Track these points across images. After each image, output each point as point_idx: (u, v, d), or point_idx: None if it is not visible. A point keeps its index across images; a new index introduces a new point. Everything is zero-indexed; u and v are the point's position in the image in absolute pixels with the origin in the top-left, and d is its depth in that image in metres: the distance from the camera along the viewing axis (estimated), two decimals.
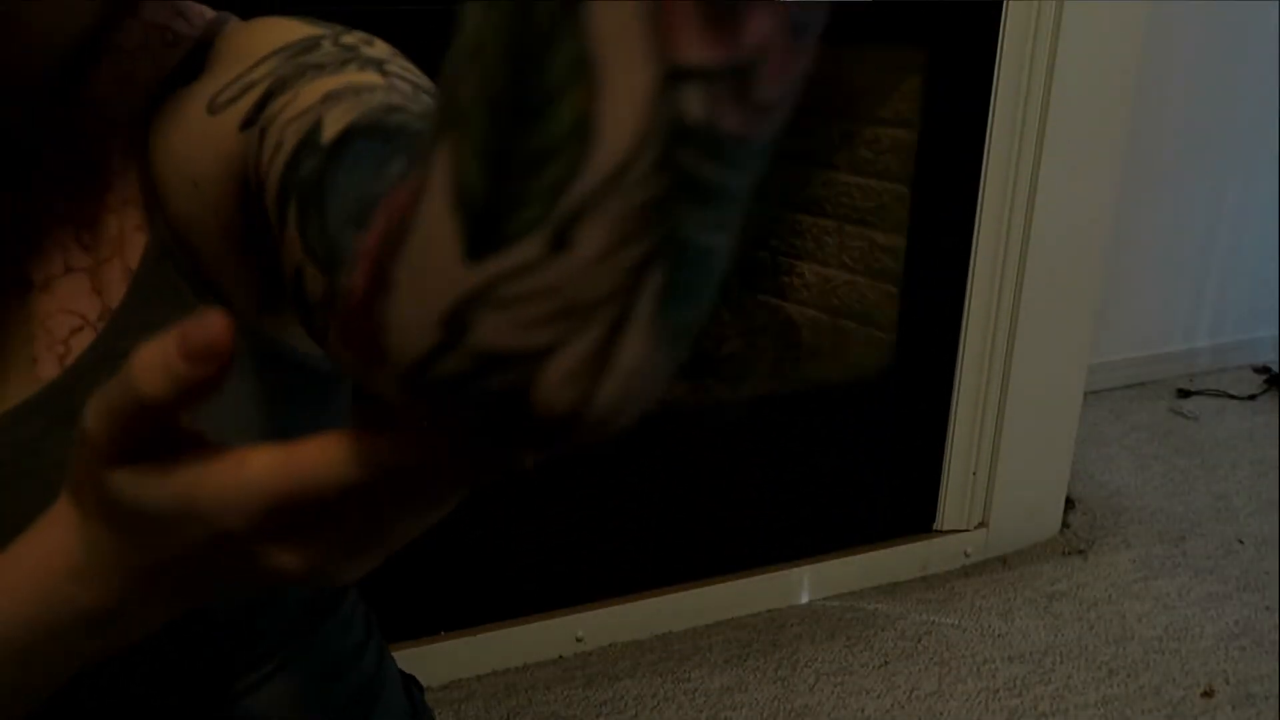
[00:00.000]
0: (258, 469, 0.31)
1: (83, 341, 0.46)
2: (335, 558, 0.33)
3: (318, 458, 0.31)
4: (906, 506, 2.02)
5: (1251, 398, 2.78)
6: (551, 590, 1.76)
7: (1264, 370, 2.92)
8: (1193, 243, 2.81)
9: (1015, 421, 1.98)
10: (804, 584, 1.92)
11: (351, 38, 0.46)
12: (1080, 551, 2.08)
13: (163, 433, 0.33)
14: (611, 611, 1.79)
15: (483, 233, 0.26)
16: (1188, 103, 2.64)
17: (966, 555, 2.03)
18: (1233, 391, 2.81)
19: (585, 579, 1.78)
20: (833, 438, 1.94)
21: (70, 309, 0.46)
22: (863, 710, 1.66)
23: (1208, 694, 1.70)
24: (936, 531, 2.03)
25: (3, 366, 0.46)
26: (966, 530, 2.04)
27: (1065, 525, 2.15)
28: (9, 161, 0.47)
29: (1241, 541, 2.13)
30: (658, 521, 1.82)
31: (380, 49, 0.46)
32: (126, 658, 0.40)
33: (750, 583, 1.88)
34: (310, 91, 0.42)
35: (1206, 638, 1.85)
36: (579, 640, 1.76)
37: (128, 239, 0.47)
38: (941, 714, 1.66)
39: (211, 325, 0.31)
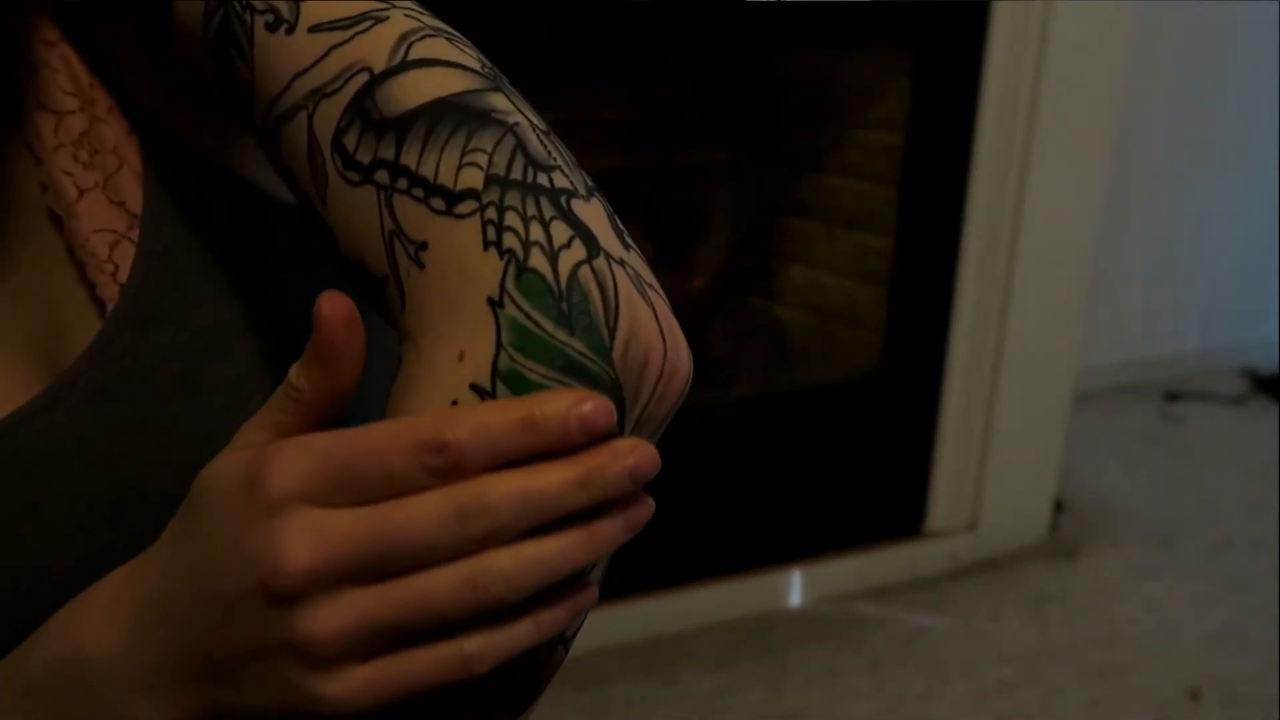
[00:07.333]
0: None
1: (125, 253, 0.47)
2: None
3: None
4: (895, 509, 2.02)
5: (1239, 401, 2.79)
6: None
7: (1251, 373, 2.93)
8: (1181, 246, 2.82)
9: (1004, 424, 1.98)
10: (793, 586, 1.92)
11: None
12: (1069, 554, 2.09)
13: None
14: (600, 615, 1.78)
15: None
16: (1176, 105, 2.65)
17: (955, 557, 2.03)
18: (1221, 394, 2.82)
19: None
20: (822, 440, 1.94)
21: (99, 228, 0.47)
22: (852, 713, 1.66)
23: (1195, 695, 1.71)
24: (926, 534, 2.03)
25: (70, 299, 0.47)
26: (956, 532, 2.04)
27: (1054, 527, 2.15)
28: None
29: (1230, 543, 2.14)
30: (646, 524, 1.81)
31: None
32: None
33: (739, 585, 1.88)
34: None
35: (1194, 639, 1.85)
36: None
37: (124, 143, 0.48)
38: (931, 716, 1.66)
39: (334, 309, 0.37)
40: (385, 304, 0.41)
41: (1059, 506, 2.19)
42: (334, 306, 0.38)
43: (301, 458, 0.36)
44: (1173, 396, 2.79)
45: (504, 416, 0.35)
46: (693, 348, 0.41)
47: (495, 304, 0.37)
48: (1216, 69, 2.67)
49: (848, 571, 1.95)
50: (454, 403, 0.37)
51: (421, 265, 0.39)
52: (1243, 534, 2.17)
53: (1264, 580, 2.01)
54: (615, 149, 2.00)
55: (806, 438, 1.93)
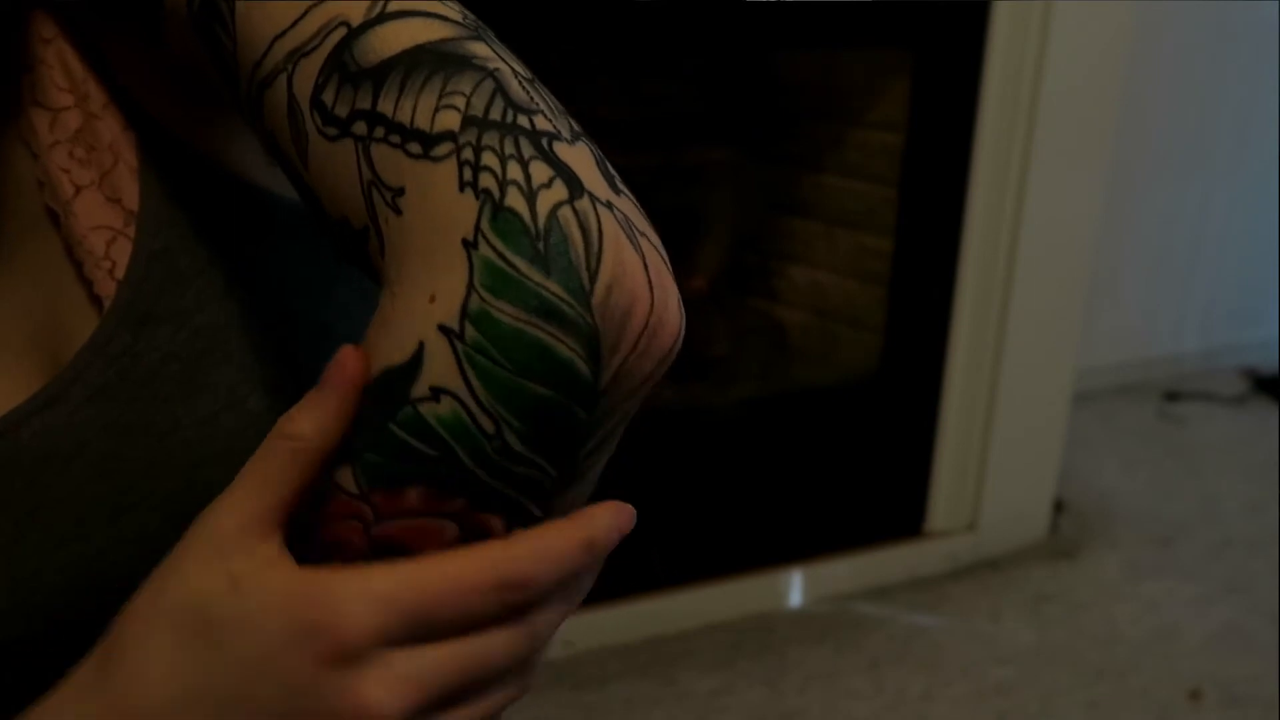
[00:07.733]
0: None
1: (122, 250, 0.47)
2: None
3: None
4: (895, 509, 2.02)
5: (1239, 401, 2.79)
6: None
7: (1252, 373, 2.93)
8: (1180, 246, 2.82)
9: (1004, 424, 1.98)
10: (793, 587, 1.92)
11: None
12: (1068, 554, 2.09)
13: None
14: (600, 615, 1.78)
15: None
16: (1176, 105, 2.65)
17: (955, 558, 2.03)
18: (1221, 394, 2.82)
19: None
20: (822, 440, 1.94)
21: (96, 224, 0.47)
22: (851, 713, 1.66)
23: (1195, 695, 1.71)
24: (925, 534, 2.03)
25: (68, 296, 0.47)
26: (955, 533, 2.04)
27: (1054, 528, 2.15)
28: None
29: (1230, 543, 2.14)
30: (646, 524, 1.81)
31: None
32: None
33: (739, 585, 1.88)
34: None
35: (1194, 639, 1.85)
36: (568, 643, 1.76)
37: (120, 140, 0.48)
38: (930, 716, 1.66)
39: (344, 364, 0.37)
40: (369, 258, 0.40)
41: (1059, 507, 2.19)
42: (355, 360, 0.38)
43: (370, 608, 0.35)
44: (1173, 396, 2.79)
45: (567, 541, 0.38)
46: (693, 348, 0.41)
47: (470, 245, 0.35)
48: (1216, 69, 2.67)
49: (847, 571, 1.95)
50: (421, 344, 0.36)
51: (399, 211, 0.37)
52: (1243, 534, 2.17)
53: (1264, 580, 2.01)
54: (615, 148, 2.00)
55: (806, 438, 1.93)
